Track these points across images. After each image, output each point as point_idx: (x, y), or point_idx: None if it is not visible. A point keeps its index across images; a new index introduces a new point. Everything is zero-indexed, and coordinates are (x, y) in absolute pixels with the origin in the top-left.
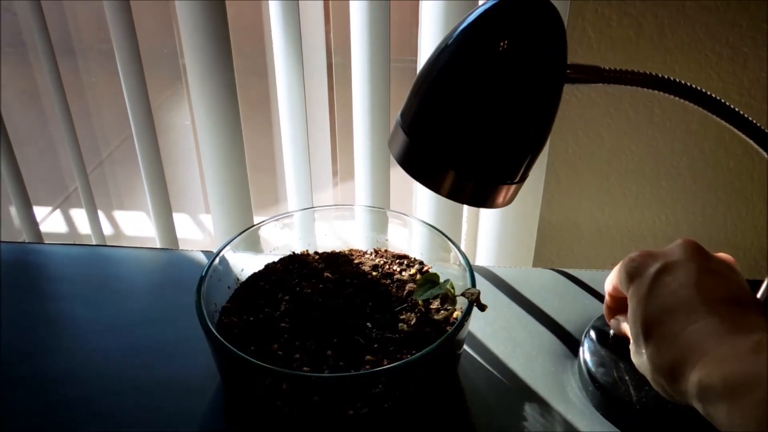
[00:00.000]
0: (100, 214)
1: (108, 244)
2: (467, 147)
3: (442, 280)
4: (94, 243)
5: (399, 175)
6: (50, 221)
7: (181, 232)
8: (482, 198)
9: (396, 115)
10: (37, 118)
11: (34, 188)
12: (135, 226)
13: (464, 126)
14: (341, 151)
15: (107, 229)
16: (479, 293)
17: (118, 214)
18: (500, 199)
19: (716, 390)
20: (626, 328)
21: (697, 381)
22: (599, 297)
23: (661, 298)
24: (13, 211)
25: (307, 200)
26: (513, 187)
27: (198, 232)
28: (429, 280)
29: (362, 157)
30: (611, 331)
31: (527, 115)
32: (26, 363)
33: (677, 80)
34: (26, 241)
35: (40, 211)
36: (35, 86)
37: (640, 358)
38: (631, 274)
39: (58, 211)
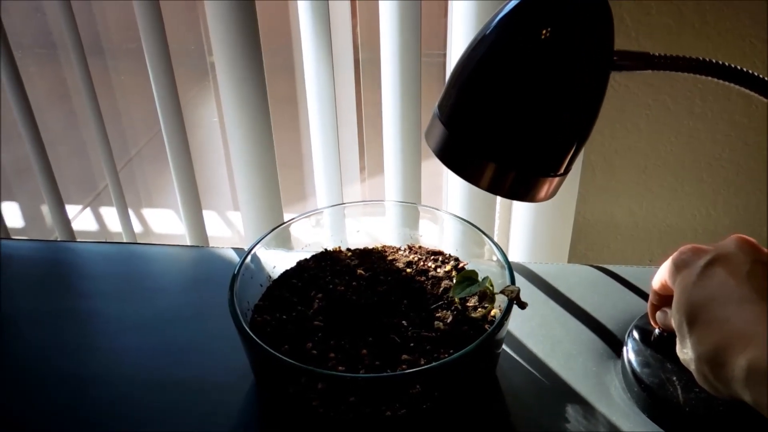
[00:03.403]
0: (130, 212)
1: (138, 241)
2: (509, 138)
3: (479, 277)
4: (124, 241)
5: (428, 171)
6: (81, 219)
7: (210, 229)
8: (524, 191)
9: (428, 108)
10: (68, 117)
11: (66, 187)
12: (165, 223)
13: (506, 116)
14: (368, 147)
15: (137, 226)
16: (519, 290)
17: (148, 212)
18: (543, 193)
19: (767, 374)
20: None
21: (745, 365)
22: (641, 294)
23: (709, 287)
24: (45, 209)
25: (337, 196)
26: (556, 179)
27: (226, 230)
28: (467, 277)
29: (393, 152)
30: (656, 330)
31: (572, 103)
32: (58, 360)
33: (733, 66)
34: (58, 239)
35: (71, 210)
36: (65, 86)
37: (683, 349)
38: (680, 266)
39: (89, 210)
